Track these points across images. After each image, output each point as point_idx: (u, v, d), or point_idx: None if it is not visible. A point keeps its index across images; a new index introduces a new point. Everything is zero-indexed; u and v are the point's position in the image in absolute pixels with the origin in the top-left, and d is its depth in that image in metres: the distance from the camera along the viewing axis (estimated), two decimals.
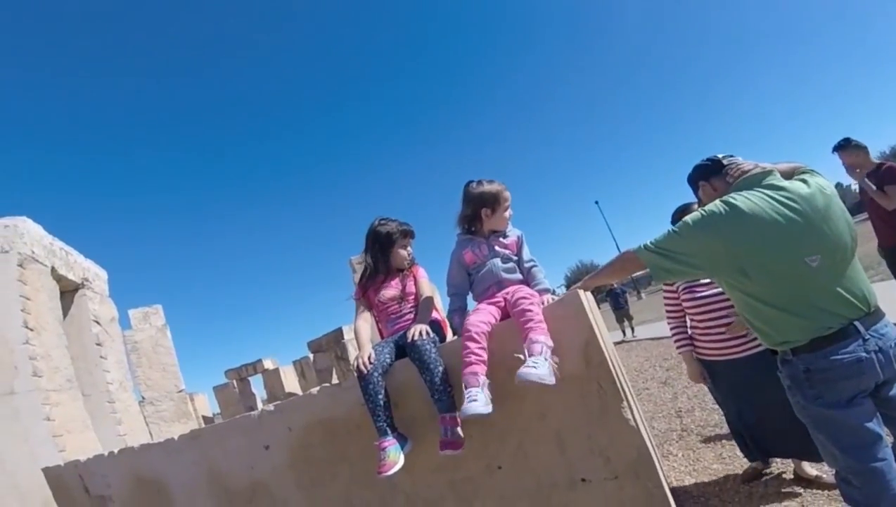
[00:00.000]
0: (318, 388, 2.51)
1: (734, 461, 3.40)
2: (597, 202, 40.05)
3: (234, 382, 17.83)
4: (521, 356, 1.80)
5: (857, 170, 4.18)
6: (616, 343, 11.91)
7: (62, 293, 10.03)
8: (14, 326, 8.10)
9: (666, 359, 7.66)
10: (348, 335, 13.07)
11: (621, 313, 13.47)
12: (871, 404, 1.67)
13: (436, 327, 2.37)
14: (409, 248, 2.55)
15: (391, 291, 2.47)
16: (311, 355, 15.61)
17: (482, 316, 2.00)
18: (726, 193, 1.80)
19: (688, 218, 1.77)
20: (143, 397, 13.39)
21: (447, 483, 2.20)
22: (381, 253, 2.48)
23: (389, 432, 2.03)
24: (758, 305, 1.72)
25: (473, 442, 2.08)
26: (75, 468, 4.08)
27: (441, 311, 2.65)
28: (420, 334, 2.12)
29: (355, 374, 2.12)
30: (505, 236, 2.33)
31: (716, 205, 1.74)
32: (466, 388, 1.86)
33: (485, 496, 2.13)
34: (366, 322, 2.47)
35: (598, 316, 2.83)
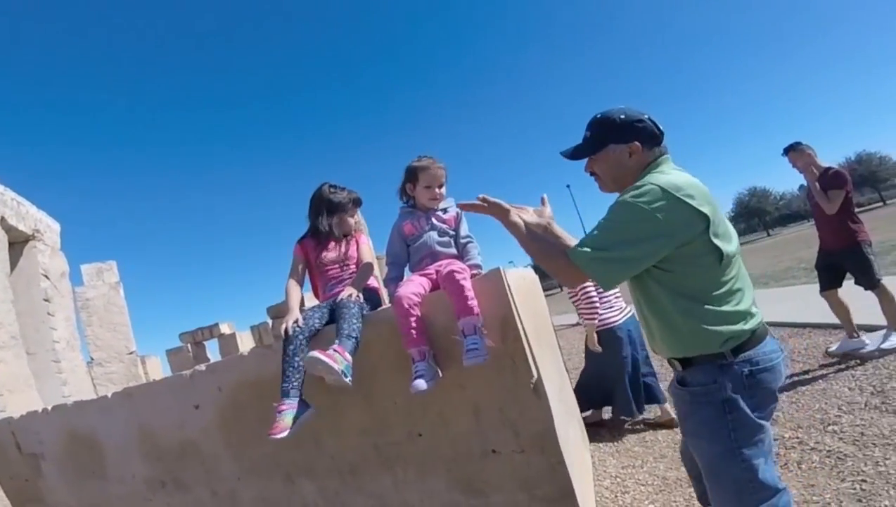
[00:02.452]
0: (248, 349, 2.54)
1: (654, 444, 3.60)
2: (568, 186, 40.23)
3: (189, 345, 17.53)
4: (458, 337, 1.87)
5: (812, 169, 4.34)
6: (572, 325, 12.27)
7: (11, 245, 9.67)
8: None
9: None
10: (309, 302, 12.96)
11: None
12: None
13: (371, 294, 2.42)
14: (356, 216, 2.62)
15: (333, 253, 2.52)
16: (270, 321, 15.45)
17: (412, 288, 2.05)
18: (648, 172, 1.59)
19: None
20: (92, 358, 13.08)
21: (372, 447, 2.25)
22: (331, 219, 2.53)
23: (291, 395, 2.03)
24: (712, 293, 1.47)
25: (399, 409, 2.14)
26: (8, 425, 3.99)
27: (380, 280, 2.70)
28: (350, 296, 2.18)
29: (281, 336, 2.14)
30: (445, 212, 2.38)
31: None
32: (413, 362, 1.93)
33: (406, 461, 2.19)
34: (297, 284, 2.51)
35: (530, 295, 2.91)
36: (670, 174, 1.52)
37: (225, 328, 17.38)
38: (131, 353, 13.44)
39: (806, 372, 4.32)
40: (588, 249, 1.47)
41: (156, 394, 2.90)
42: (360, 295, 2.23)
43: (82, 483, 3.59)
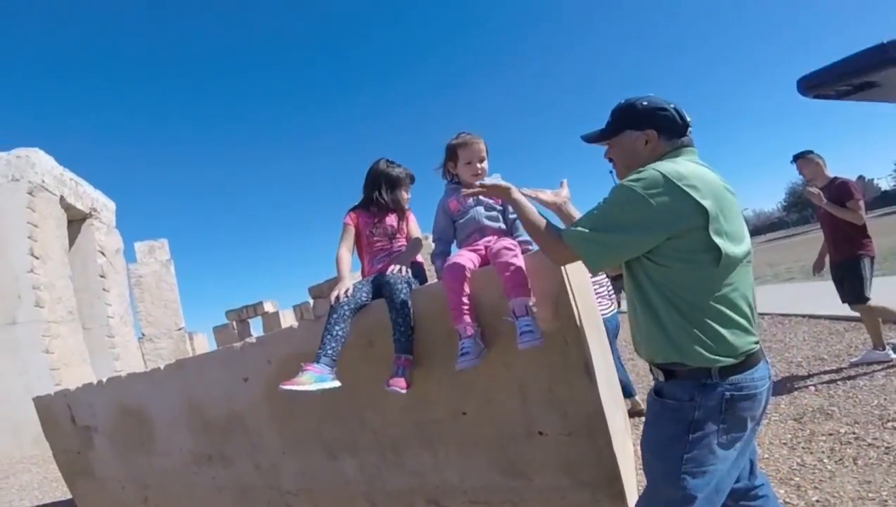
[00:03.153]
0: (298, 322, 2.57)
1: None
2: (611, 172, 39.46)
3: (234, 323, 18.12)
4: (508, 319, 1.84)
5: (812, 183, 4.33)
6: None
7: (70, 223, 10.19)
8: (20, 253, 8.28)
9: None
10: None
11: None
12: None
13: (418, 269, 2.42)
14: (408, 193, 2.64)
15: (384, 226, 2.53)
16: (311, 301, 15.81)
17: (462, 262, 2.02)
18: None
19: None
20: (143, 334, 13.71)
21: (414, 425, 2.26)
22: (388, 192, 2.55)
23: (324, 362, 2.03)
24: (706, 297, 1.41)
25: (442, 386, 2.12)
26: (64, 397, 4.14)
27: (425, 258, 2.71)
28: (397, 271, 2.18)
29: (330, 304, 2.17)
30: None
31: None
32: (459, 339, 1.92)
33: (447, 440, 2.19)
34: (349, 253, 2.53)
35: (580, 274, 2.86)
36: (680, 164, 1.46)
37: (269, 307, 17.87)
38: (180, 329, 14.06)
39: (864, 366, 4.14)
40: (579, 229, 1.48)
41: (207, 366, 2.97)
42: (409, 270, 2.24)
43: (131, 456, 3.71)
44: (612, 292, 4.49)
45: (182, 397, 3.13)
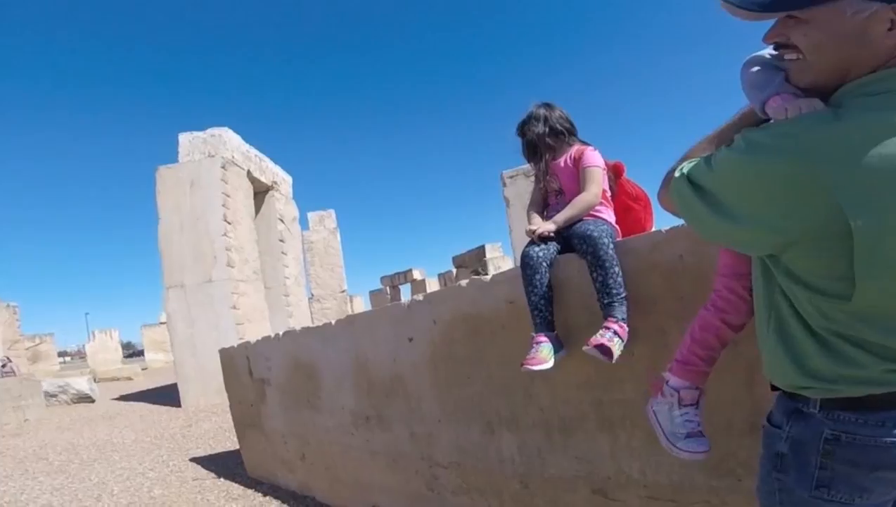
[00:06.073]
0: (467, 280, 2.41)
1: None
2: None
3: (388, 288, 19.42)
4: None
5: None
6: None
7: (255, 194, 11.45)
8: (216, 219, 9.44)
9: None
10: (490, 254, 13.38)
11: None
12: None
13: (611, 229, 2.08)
14: (540, 127, 2.27)
15: (549, 175, 2.26)
16: (454, 270, 16.26)
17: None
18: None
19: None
20: (313, 295, 15.19)
21: (593, 403, 1.97)
22: (525, 134, 2.27)
23: (548, 328, 1.87)
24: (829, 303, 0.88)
25: (636, 361, 1.79)
26: (245, 349, 4.39)
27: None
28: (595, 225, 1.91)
29: (524, 261, 1.98)
30: None
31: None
32: (678, 403, 1.50)
33: (633, 425, 1.87)
34: (535, 201, 2.32)
35: None
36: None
37: (417, 274, 18.82)
38: (343, 291, 15.33)
39: None
40: (688, 169, 1.01)
41: (375, 323, 2.95)
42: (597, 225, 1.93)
43: (296, 412, 3.82)
44: None
45: (349, 355, 3.15)
